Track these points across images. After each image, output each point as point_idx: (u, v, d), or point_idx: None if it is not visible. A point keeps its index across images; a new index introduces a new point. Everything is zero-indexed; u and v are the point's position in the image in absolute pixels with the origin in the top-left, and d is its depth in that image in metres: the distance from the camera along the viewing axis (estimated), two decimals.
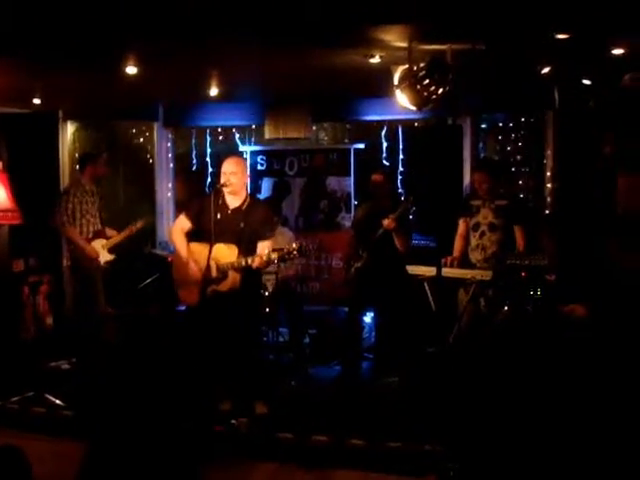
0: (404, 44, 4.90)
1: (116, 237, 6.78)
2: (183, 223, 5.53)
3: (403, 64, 4.95)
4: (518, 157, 7.63)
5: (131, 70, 5.70)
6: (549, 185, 7.30)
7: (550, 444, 4.08)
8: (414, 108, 4.98)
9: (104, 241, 6.71)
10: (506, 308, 5.63)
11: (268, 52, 5.42)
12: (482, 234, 6.31)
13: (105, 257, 6.68)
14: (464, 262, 6.35)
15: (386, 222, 6.24)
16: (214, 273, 5.22)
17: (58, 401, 5.69)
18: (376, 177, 6.66)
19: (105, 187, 6.99)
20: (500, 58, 5.52)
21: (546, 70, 5.70)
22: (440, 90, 4.79)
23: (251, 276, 5.34)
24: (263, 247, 5.21)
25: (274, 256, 5.04)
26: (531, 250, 5.95)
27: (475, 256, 6.34)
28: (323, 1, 4.21)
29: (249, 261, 5.11)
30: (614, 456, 3.85)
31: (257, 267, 5.14)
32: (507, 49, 5.23)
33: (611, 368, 4.05)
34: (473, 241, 6.38)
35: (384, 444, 4.83)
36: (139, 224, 6.85)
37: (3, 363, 6.34)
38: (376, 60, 5.39)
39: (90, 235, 6.65)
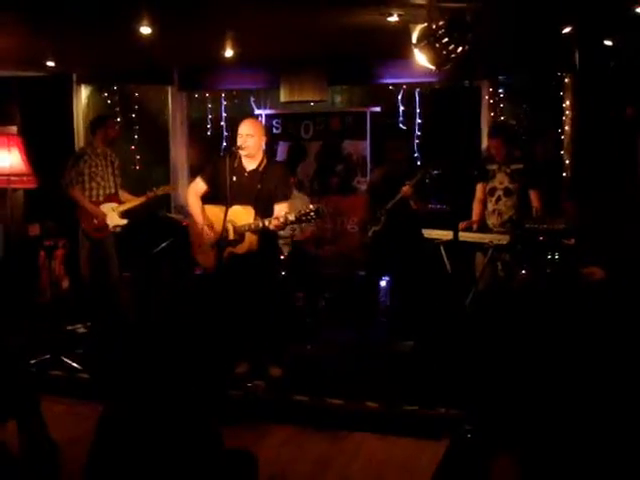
0: (423, 2, 4.81)
1: (131, 202, 6.66)
2: (198, 186, 5.49)
3: (422, 23, 4.87)
4: (537, 120, 7.53)
5: (145, 30, 5.63)
6: (568, 148, 7.21)
7: (569, 407, 4.06)
8: (433, 67, 4.91)
9: (115, 205, 6.57)
10: (523, 272, 5.59)
11: (283, 11, 5.33)
12: (498, 199, 6.30)
13: (116, 221, 6.53)
14: (482, 226, 6.34)
15: (404, 189, 6.23)
16: (231, 235, 5.18)
17: (75, 364, 5.72)
18: (391, 144, 6.64)
19: (119, 151, 6.93)
20: (520, 17, 5.42)
21: (567, 30, 5.60)
22: (459, 49, 4.72)
23: (268, 238, 5.31)
24: (280, 209, 5.17)
25: (291, 217, 4.98)
26: (548, 214, 5.91)
27: (492, 221, 6.34)
28: None
29: (266, 223, 5.07)
30: (634, 417, 3.83)
31: (274, 229, 5.10)
32: (528, 7, 5.12)
33: (630, 330, 4.02)
34: (489, 206, 6.38)
35: (399, 407, 4.83)
36: (158, 191, 6.73)
37: (20, 326, 6.38)
38: (394, 19, 5.29)
39: (101, 198, 6.55)
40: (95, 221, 6.47)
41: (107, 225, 6.50)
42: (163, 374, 2.95)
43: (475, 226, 6.36)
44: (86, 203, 6.48)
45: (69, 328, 6.88)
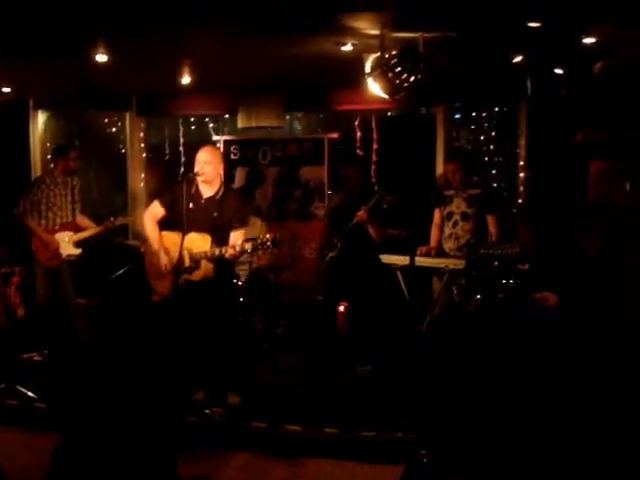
0: (376, 32, 4.88)
1: (87, 231, 6.65)
2: (156, 210, 5.48)
3: (375, 52, 4.94)
4: (491, 146, 7.67)
5: (101, 58, 5.63)
6: (522, 174, 7.34)
7: (522, 429, 4.10)
8: (386, 96, 4.98)
9: (71, 234, 6.57)
10: (478, 297, 5.66)
11: (239, 40, 5.38)
12: (455, 223, 6.38)
13: (69, 250, 6.54)
14: (439, 251, 6.42)
15: (359, 214, 6.28)
16: (187, 263, 5.17)
17: (30, 393, 5.63)
18: (348, 171, 6.71)
19: (77, 177, 6.89)
20: (472, 47, 5.53)
21: (518, 59, 5.73)
22: (412, 78, 4.79)
23: (224, 266, 5.31)
24: (236, 237, 5.18)
25: (248, 246, 5.01)
26: (504, 239, 5.99)
27: (449, 245, 6.41)
28: None
29: (222, 251, 5.08)
30: (586, 436, 3.89)
31: (230, 257, 5.12)
32: (479, 38, 5.23)
33: (581, 354, 4.09)
34: (446, 230, 6.45)
35: (357, 433, 4.84)
36: (116, 222, 6.72)
37: None
38: (348, 48, 5.37)
39: (57, 227, 6.55)
40: (49, 249, 6.45)
41: (60, 254, 6.49)
42: (119, 402, 2.94)
43: (433, 252, 6.42)
44: (40, 232, 6.45)
45: (24, 356, 6.78)
